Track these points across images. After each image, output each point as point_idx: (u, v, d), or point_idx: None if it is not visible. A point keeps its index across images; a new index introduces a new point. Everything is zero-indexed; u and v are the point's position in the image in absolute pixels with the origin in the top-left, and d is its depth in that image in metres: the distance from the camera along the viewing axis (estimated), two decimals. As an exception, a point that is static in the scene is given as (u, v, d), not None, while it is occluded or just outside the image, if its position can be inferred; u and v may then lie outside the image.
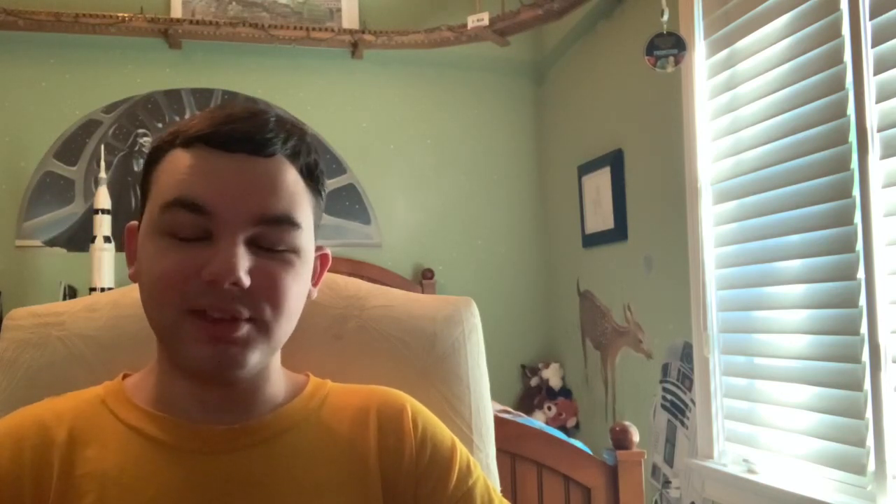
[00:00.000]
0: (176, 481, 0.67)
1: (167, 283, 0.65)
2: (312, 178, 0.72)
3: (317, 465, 0.70)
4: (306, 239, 0.70)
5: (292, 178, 0.69)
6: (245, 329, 0.65)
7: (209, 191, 0.65)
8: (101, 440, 0.68)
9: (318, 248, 0.76)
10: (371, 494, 0.71)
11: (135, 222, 0.73)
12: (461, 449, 0.76)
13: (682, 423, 2.24)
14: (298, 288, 0.70)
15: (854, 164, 1.62)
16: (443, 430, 0.77)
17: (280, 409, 0.72)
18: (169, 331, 0.66)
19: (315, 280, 0.77)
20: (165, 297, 0.65)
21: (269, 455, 0.69)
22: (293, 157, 0.70)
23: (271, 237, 0.67)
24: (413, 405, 0.76)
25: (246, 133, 0.67)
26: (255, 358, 0.67)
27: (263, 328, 0.67)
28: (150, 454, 0.68)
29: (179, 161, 0.67)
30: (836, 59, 1.67)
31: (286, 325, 0.69)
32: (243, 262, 0.64)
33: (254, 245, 0.66)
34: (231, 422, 0.70)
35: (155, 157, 0.70)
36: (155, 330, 0.69)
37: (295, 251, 0.68)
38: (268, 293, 0.66)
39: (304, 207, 0.70)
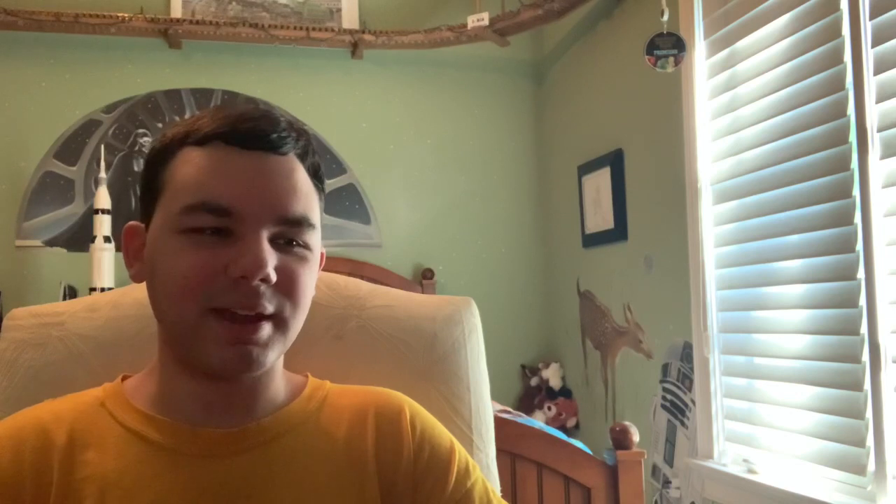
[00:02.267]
0: (175, 485, 0.67)
1: (191, 281, 0.65)
2: (317, 177, 0.73)
3: (315, 468, 0.70)
4: (318, 238, 0.72)
5: (303, 177, 0.71)
6: (267, 329, 0.66)
7: (232, 191, 0.66)
8: (101, 443, 0.68)
9: None
10: (369, 497, 0.71)
11: (135, 223, 0.72)
12: (460, 450, 0.76)
13: (682, 423, 2.24)
14: (312, 284, 0.71)
15: (854, 164, 1.62)
16: (441, 432, 0.76)
17: (279, 412, 0.72)
18: (188, 331, 0.66)
19: None
20: (188, 296, 0.65)
21: (267, 459, 0.69)
22: (302, 156, 0.71)
23: (289, 236, 0.68)
24: (411, 407, 0.76)
25: (262, 131, 0.68)
26: (272, 356, 0.68)
27: (282, 325, 0.68)
28: (149, 458, 0.67)
29: (195, 160, 0.67)
30: (836, 59, 1.67)
31: (301, 321, 0.71)
32: (271, 258, 0.65)
33: (273, 242, 0.67)
34: (231, 424, 0.70)
35: (164, 156, 0.70)
36: (171, 329, 0.68)
37: (309, 248, 0.70)
38: (288, 289, 0.67)
39: (315, 207, 0.72)
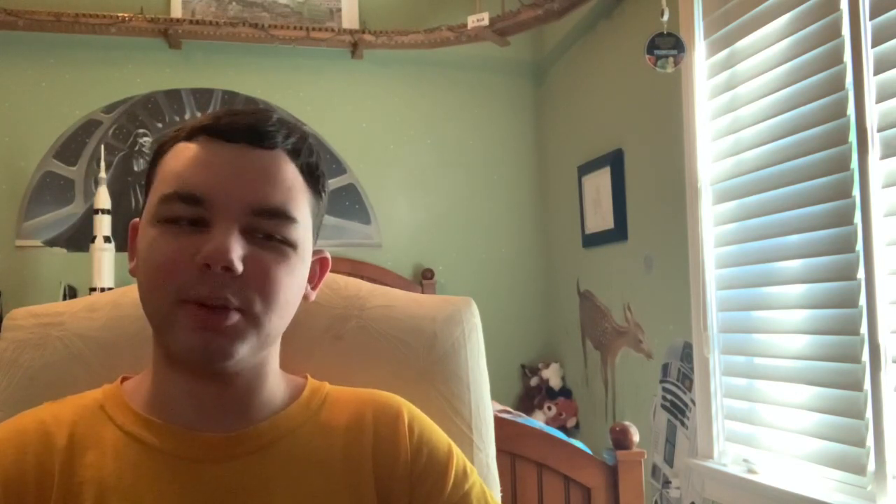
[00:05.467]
0: (173, 490, 0.67)
1: (163, 271, 0.65)
2: (313, 177, 0.72)
3: (312, 473, 0.70)
4: (303, 235, 0.70)
5: (291, 172, 0.70)
6: (234, 319, 0.65)
7: (206, 180, 0.66)
8: (100, 446, 0.68)
9: (318, 252, 0.76)
10: (365, 500, 0.70)
11: (138, 219, 0.73)
12: (458, 454, 0.76)
13: (682, 423, 2.24)
14: (292, 282, 0.69)
15: (854, 164, 1.62)
16: (439, 435, 0.76)
17: (277, 416, 0.72)
18: (162, 320, 0.66)
19: (314, 283, 0.77)
20: (161, 286, 0.65)
21: (264, 463, 0.69)
22: (293, 153, 0.71)
23: (266, 228, 0.67)
24: (409, 410, 0.76)
25: (247, 124, 0.68)
26: (243, 350, 0.66)
27: (253, 320, 0.66)
28: (147, 462, 0.67)
29: (182, 152, 0.69)
30: (836, 59, 1.67)
31: (277, 320, 0.69)
32: (236, 247, 0.64)
33: (249, 234, 0.66)
34: (228, 428, 0.70)
35: (161, 151, 0.71)
36: (150, 320, 0.69)
37: (290, 244, 0.68)
38: (259, 284, 0.66)
39: (300, 203, 0.70)
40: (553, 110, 3.25)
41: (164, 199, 0.66)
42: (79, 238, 2.84)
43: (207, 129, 0.68)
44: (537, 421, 2.30)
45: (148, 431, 0.69)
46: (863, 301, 1.59)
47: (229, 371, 0.68)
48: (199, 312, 0.64)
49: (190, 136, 0.69)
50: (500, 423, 1.15)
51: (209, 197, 0.65)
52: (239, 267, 0.64)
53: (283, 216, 0.68)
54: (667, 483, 2.32)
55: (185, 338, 0.65)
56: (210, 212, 0.65)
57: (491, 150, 3.31)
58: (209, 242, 0.64)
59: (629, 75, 2.54)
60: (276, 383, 0.74)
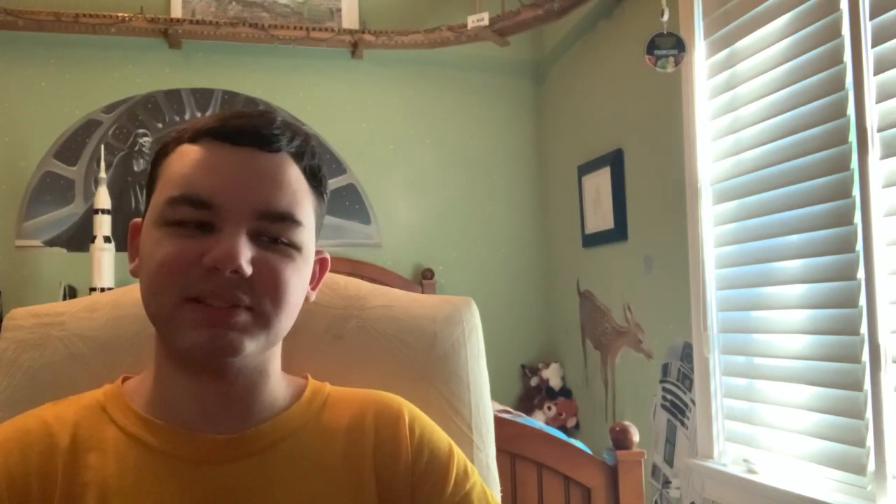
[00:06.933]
0: (174, 491, 0.67)
1: (168, 270, 0.65)
2: (315, 179, 0.73)
3: (313, 474, 0.70)
4: (307, 237, 0.71)
5: (295, 175, 0.70)
6: (243, 316, 0.65)
7: (213, 184, 0.66)
8: (102, 447, 0.68)
9: (318, 252, 0.77)
10: (367, 502, 0.70)
11: (139, 219, 0.73)
12: (458, 454, 0.76)
13: (682, 423, 2.24)
14: (298, 283, 0.70)
15: (854, 164, 1.62)
16: (440, 436, 0.76)
17: (278, 417, 0.72)
18: (167, 318, 0.66)
19: (314, 284, 0.77)
20: (165, 285, 0.65)
21: (266, 465, 0.69)
22: (297, 156, 0.71)
23: (272, 232, 0.67)
24: (410, 410, 0.76)
25: (252, 127, 0.69)
26: (251, 346, 0.66)
27: (262, 319, 0.67)
28: (148, 463, 0.67)
29: (187, 155, 0.69)
30: (836, 59, 1.67)
31: (284, 320, 0.69)
32: (245, 251, 0.65)
33: (255, 238, 0.67)
34: (230, 430, 0.70)
35: (164, 152, 0.71)
36: (153, 319, 0.69)
37: (296, 247, 0.69)
38: (268, 285, 0.66)
39: (305, 206, 0.70)
40: (553, 110, 3.25)
41: (171, 201, 0.66)
42: (79, 238, 2.84)
43: (212, 132, 0.69)
44: (537, 421, 2.30)
45: (149, 432, 0.69)
46: (863, 301, 1.59)
47: (234, 368, 0.68)
48: (205, 310, 0.65)
49: (194, 138, 0.69)
50: (500, 423, 1.15)
51: (217, 201, 0.66)
52: (248, 270, 0.65)
53: (289, 220, 0.68)
54: (667, 483, 2.32)
55: (190, 334, 0.65)
56: (217, 215, 0.66)
57: (491, 150, 3.31)
58: (217, 245, 0.64)
59: (629, 75, 2.53)
60: (277, 384, 0.74)
